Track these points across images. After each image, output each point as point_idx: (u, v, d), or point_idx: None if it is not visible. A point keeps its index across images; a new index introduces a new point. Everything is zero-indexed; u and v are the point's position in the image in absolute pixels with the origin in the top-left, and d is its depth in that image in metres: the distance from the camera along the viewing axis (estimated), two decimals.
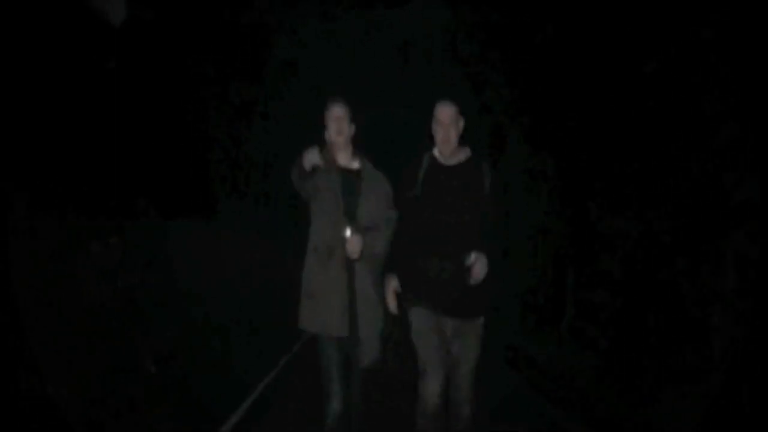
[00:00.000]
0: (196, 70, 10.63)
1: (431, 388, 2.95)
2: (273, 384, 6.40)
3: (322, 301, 3.00)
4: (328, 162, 3.07)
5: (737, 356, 4.82)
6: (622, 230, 6.86)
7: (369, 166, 3.21)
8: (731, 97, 5.05)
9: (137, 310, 6.45)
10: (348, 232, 2.90)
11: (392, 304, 3.10)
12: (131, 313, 6.30)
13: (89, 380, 5.04)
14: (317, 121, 3.18)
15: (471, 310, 3.05)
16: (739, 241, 5.10)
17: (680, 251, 5.65)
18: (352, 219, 2.98)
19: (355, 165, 3.18)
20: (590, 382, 6.37)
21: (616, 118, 7.10)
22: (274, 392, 6.05)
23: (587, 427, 5.02)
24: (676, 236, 5.73)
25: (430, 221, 3.01)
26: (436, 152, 3.17)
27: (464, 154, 3.17)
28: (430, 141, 3.19)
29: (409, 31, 11.88)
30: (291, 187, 3.14)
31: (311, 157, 2.95)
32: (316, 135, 3.20)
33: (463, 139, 3.16)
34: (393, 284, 3.09)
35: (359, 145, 3.25)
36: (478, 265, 2.85)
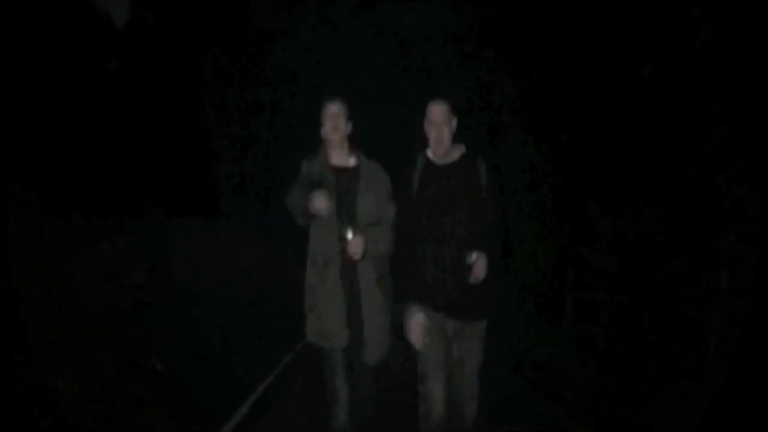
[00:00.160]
0: (199, 72, 10.66)
1: (433, 391, 2.93)
2: (275, 383, 6.41)
3: (322, 313, 3.00)
4: (322, 167, 3.06)
5: (732, 355, 4.83)
6: (620, 230, 6.89)
7: (366, 162, 3.18)
8: (726, 100, 5.09)
9: (142, 310, 6.46)
10: (350, 234, 2.89)
11: (418, 340, 2.92)
12: (136, 312, 6.31)
13: (91, 380, 5.04)
14: (318, 121, 3.16)
15: (472, 311, 3.02)
16: (732, 241, 5.13)
17: (676, 251, 5.69)
18: (351, 218, 2.97)
19: (352, 162, 3.16)
20: (590, 381, 6.37)
21: (615, 121, 7.14)
22: (276, 391, 6.05)
23: (587, 427, 5.02)
24: (672, 236, 5.76)
25: (428, 222, 2.98)
26: (429, 152, 3.12)
27: (458, 151, 3.13)
28: (424, 141, 3.14)
29: (409, 31, 11.88)
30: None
31: (319, 203, 2.87)
32: (316, 135, 3.20)
33: (457, 138, 3.12)
34: (418, 318, 2.91)
35: (357, 143, 3.22)
36: (478, 264, 2.83)
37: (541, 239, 10.37)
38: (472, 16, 11.06)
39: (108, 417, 4.72)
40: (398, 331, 3.07)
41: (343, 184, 3.06)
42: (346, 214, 2.98)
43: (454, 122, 3.08)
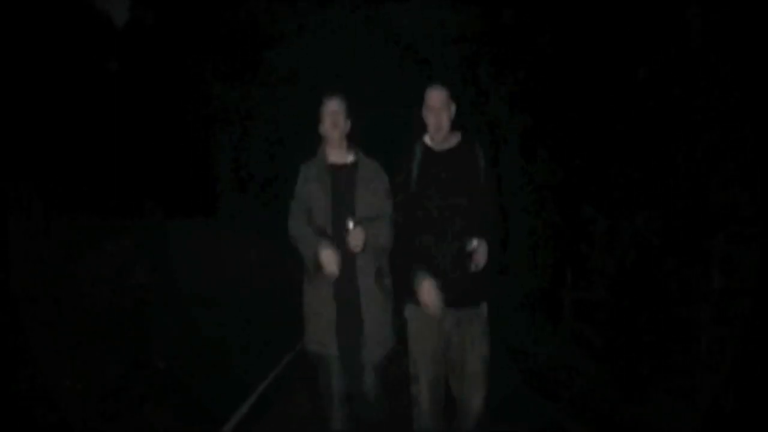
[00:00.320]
0: (199, 73, 10.69)
1: (424, 392, 2.91)
2: (275, 383, 6.41)
3: (313, 320, 3.00)
4: (320, 165, 3.05)
5: (724, 354, 4.86)
6: (615, 232, 6.93)
7: (364, 159, 3.16)
8: (717, 105, 5.13)
9: (143, 310, 6.47)
10: (350, 224, 2.87)
11: (432, 300, 2.80)
12: (138, 312, 6.32)
13: (91, 380, 5.05)
14: (317, 122, 3.14)
15: (472, 296, 2.95)
16: (724, 242, 5.16)
17: (670, 252, 5.73)
18: (351, 214, 2.94)
19: (350, 159, 3.14)
20: (589, 380, 6.38)
21: (610, 125, 7.20)
22: (276, 391, 6.05)
23: (587, 427, 5.02)
24: (665, 238, 5.80)
25: (428, 210, 2.94)
26: (427, 139, 3.07)
27: (456, 138, 3.08)
28: (422, 128, 3.09)
29: (409, 31, 11.89)
30: (291, 189, 3.12)
31: (330, 263, 2.85)
32: (316, 135, 3.19)
33: (455, 126, 3.07)
34: (428, 282, 2.80)
35: (356, 142, 3.20)
36: (479, 251, 2.79)
37: (539, 240, 10.39)
38: (472, 16, 11.08)
39: (109, 416, 4.73)
40: (398, 329, 3.06)
41: (341, 181, 3.04)
42: (345, 210, 2.96)
43: (453, 108, 3.03)
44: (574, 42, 7.94)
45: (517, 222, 10.53)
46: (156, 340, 6.56)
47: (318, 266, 2.89)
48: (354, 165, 3.12)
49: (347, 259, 2.92)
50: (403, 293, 3.02)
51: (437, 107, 2.98)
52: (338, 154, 3.13)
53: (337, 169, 3.08)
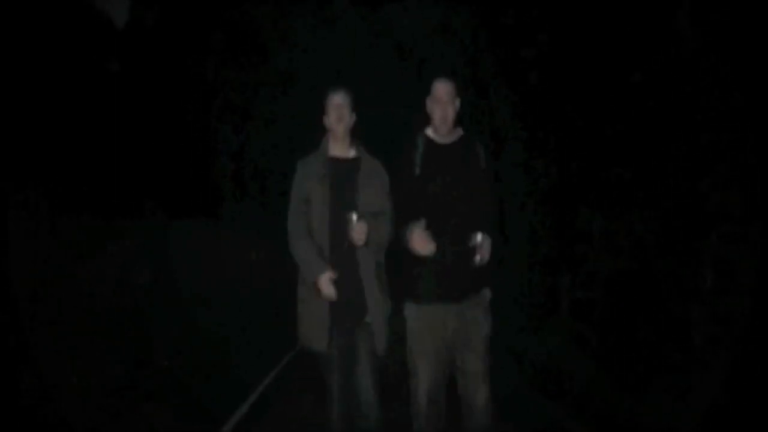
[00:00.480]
0: (199, 74, 10.71)
1: (422, 389, 2.90)
2: (275, 383, 6.44)
3: (307, 316, 2.98)
4: (321, 158, 3.05)
5: (719, 352, 4.89)
6: (611, 232, 6.99)
7: (366, 155, 3.15)
8: (710, 108, 5.18)
9: (144, 310, 6.50)
10: (354, 217, 2.85)
11: (422, 241, 2.81)
12: (139, 312, 6.35)
13: (92, 379, 5.07)
14: (317, 122, 3.14)
15: (473, 287, 2.95)
16: (716, 243, 5.20)
17: (663, 252, 5.78)
18: (352, 208, 2.91)
19: (352, 154, 3.12)
20: (588, 379, 6.41)
21: (605, 128, 7.26)
22: (276, 391, 6.07)
23: (587, 426, 5.04)
24: (659, 238, 5.85)
25: (431, 202, 2.92)
26: (430, 132, 3.07)
27: (458, 133, 3.09)
28: (426, 120, 3.09)
29: (408, 31, 11.91)
30: (289, 189, 3.12)
31: (329, 293, 2.87)
32: (316, 135, 3.20)
33: (460, 122, 3.07)
34: (417, 228, 2.82)
35: (360, 137, 3.20)
36: (484, 246, 2.79)
37: (538, 241, 10.42)
38: (472, 17, 11.10)
39: (110, 416, 4.75)
40: (397, 328, 3.07)
41: (342, 174, 3.02)
42: (345, 203, 2.93)
43: (458, 102, 3.03)
44: (572, 44, 7.99)
45: (516, 222, 10.56)
46: (157, 340, 6.58)
47: (315, 287, 2.89)
48: (356, 160, 3.10)
49: (347, 252, 2.92)
50: (402, 292, 3.01)
51: (444, 99, 2.98)
52: (341, 147, 3.11)
53: (338, 163, 3.07)
